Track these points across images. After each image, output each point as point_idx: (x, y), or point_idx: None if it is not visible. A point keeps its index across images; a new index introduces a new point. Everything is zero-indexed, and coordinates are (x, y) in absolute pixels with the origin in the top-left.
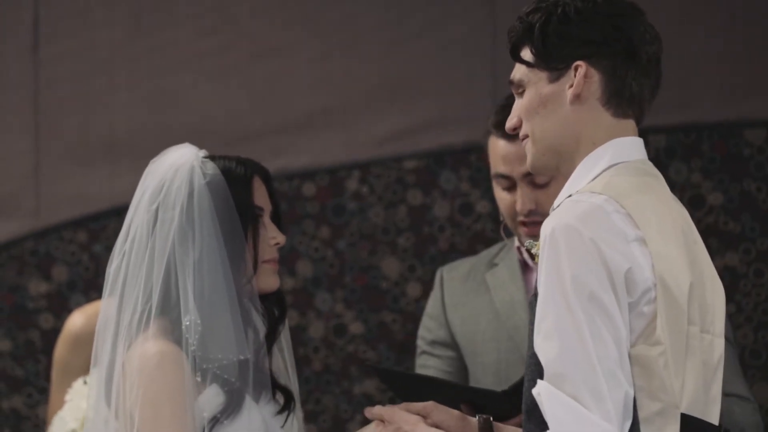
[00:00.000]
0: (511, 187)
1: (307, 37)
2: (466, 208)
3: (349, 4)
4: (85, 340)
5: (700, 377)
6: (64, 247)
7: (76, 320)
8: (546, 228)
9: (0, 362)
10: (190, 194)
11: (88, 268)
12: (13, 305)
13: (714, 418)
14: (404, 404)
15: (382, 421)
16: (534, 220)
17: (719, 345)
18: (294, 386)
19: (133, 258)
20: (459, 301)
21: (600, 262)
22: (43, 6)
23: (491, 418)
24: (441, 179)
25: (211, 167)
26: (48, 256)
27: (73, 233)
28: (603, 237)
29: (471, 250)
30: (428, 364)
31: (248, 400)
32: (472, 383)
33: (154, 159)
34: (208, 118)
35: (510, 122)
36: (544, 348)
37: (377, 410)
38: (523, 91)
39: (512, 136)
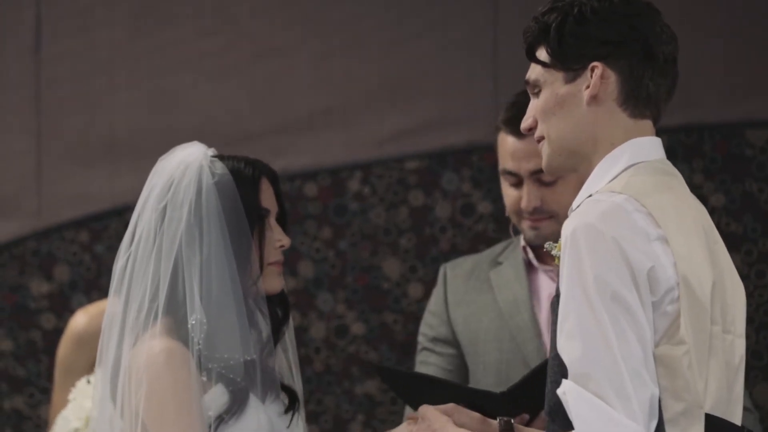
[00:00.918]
0: (518, 183)
1: (307, 37)
2: (467, 209)
3: (350, 5)
4: (89, 340)
5: (723, 377)
6: (65, 247)
7: (79, 320)
8: (567, 228)
9: (1, 362)
10: (199, 193)
11: (90, 268)
12: (14, 305)
13: (737, 419)
14: (429, 406)
15: (414, 420)
16: (539, 218)
17: (740, 345)
18: (298, 386)
19: (139, 256)
20: (462, 299)
21: (622, 261)
22: (44, 6)
23: (512, 420)
24: (442, 180)
25: (220, 167)
26: (49, 256)
27: (75, 233)
28: (625, 236)
29: (472, 251)
30: (428, 361)
31: (254, 400)
32: (472, 382)
33: (162, 157)
34: (209, 118)
35: (525, 123)
36: (567, 348)
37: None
38: (539, 91)
39: (521, 133)
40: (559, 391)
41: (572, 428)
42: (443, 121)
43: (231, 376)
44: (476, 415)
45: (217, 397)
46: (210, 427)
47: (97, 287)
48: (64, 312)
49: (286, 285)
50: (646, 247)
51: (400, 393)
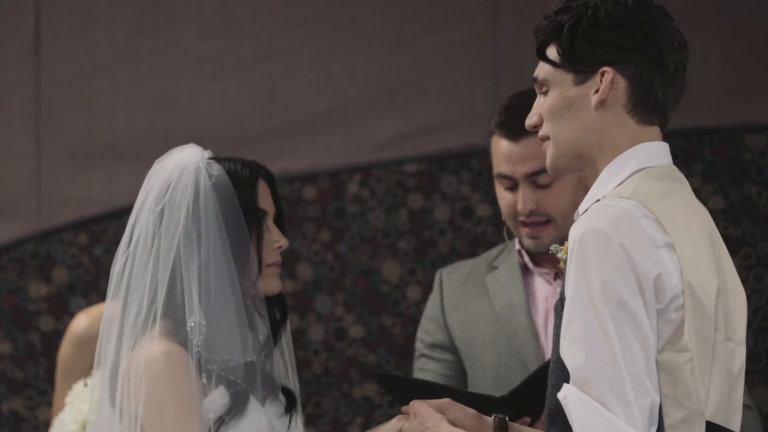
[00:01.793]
0: (512, 187)
1: (307, 39)
2: (466, 212)
3: (350, 8)
4: (90, 342)
5: (724, 385)
6: (64, 250)
7: (80, 322)
8: (575, 232)
9: (0, 364)
10: (196, 195)
11: (89, 271)
12: (13, 307)
13: (736, 426)
14: (422, 401)
15: (406, 415)
16: (535, 221)
17: (741, 353)
18: (295, 388)
19: (137, 259)
20: (458, 304)
21: (629, 267)
22: (45, 8)
23: (507, 418)
24: (442, 183)
25: (217, 168)
26: (48, 259)
27: (74, 235)
28: (632, 242)
29: (471, 254)
30: (426, 368)
31: (254, 402)
32: (471, 387)
33: (159, 159)
34: (210, 121)
35: (530, 120)
36: (570, 353)
37: (413, 404)
38: (547, 90)
39: (515, 136)
40: (559, 395)
41: None
42: (443, 125)
43: (231, 377)
44: (471, 411)
45: (218, 399)
46: (210, 429)
47: (95, 290)
48: (63, 314)
49: (284, 287)
50: (653, 254)
51: (398, 398)
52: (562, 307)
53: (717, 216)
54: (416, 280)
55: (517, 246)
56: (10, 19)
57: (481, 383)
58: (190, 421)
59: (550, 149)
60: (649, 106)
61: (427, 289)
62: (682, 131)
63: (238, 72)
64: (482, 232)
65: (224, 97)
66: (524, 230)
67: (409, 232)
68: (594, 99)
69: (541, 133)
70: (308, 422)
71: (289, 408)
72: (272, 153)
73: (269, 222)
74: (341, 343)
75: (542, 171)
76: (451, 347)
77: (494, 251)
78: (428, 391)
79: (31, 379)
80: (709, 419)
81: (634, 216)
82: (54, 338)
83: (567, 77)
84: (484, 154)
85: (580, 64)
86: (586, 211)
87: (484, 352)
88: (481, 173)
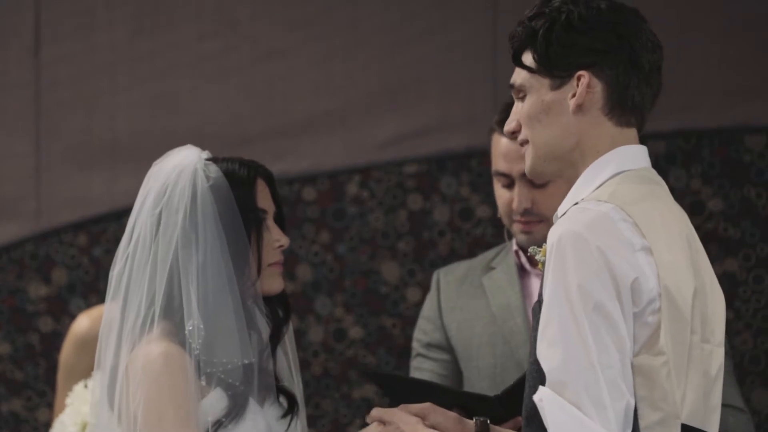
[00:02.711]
0: (510, 184)
1: (307, 40)
2: (466, 213)
3: (350, 8)
4: (91, 343)
5: (700, 387)
6: (64, 251)
7: (82, 323)
8: (553, 235)
9: None
10: (194, 197)
11: (88, 272)
12: (12, 308)
13: (713, 428)
14: (402, 406)
15: (383, 422)
16: (529, 219)
17: (718, 355)
18: (298, 389)
19: (136, 261)
20: (455, 305)
21: (606, 271)
22: (45, 8)
23: (488, 421)
24: (441, 184)
25: (214, 170)
26: (48, 259)
27: (73, 236)
28: (610, 246)
29: (471, 255)
30: (423, 367)
31: (252, 404)
32: (467, 387)
33: (157, 161)
34: (209, 121)
35: (509, 126)
36: (547, 355)
37: (376, 412)
38: (524, 96)
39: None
40: (535, 398)
41: None
42: (442, 126)
43: (230, 380)
44: (452, 414)
45: (216, 401)
46: (207, 431)
47: (95, 291)
48: (62, 315)
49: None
50: (630, 258)
51: (394, 398)
52: (540, 310)
53: (716, 217)
54: (416, 281)
55: (515, 247)
56: (10, 19)
57: (476, 383)
58: (188, 422)
59: (529, 153)
60: (627, 108)
61: (426, 290)
62: (681, 132)
63: (238, 72)
64: (482, 234)
65: (224, 98)
66: (518, 227)
67: (409, 233)
68: (571, 103)
69: (521, 137)
70: (308, 423)
71: (290, 410)
72: (272, 154)
73: (269, 221)
74: (341, 344)
75: None
76: (447, 347)
77: (491, 252)
78: (422, 390)
79: (31, 380)
80: (684, 421)
81: (611, 219)
82: (53, 339)
83: (543, 82)
84: (483, 155)
85: (555, 69)
86: (564, 213)
87: (479, 352)
88: (480, 174)
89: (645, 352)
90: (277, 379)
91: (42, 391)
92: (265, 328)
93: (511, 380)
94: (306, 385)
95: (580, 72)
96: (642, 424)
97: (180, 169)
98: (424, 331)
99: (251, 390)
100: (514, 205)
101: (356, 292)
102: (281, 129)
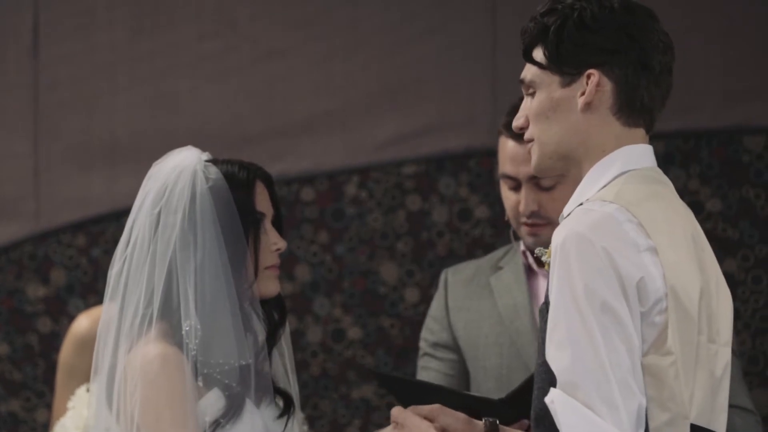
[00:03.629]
0: (516, 187)
1: (307, 40)
2: (464, 214)
3: (350, 8)
4: (91, 344)
5: (708, 387)
6: (62, 251)
7: (81, 323)
8: (557, 237)
9: None
10: (193, 198)
11: (87, 272)
12: (11, 309)
13: (721, 428)
14: (413, 407)
15: (397, 423)
16: (536, 222)
17: (724, 354)
18: (294, 390)
19: (134, 262)
20: (462, 305)
21: (612, 271)
22: (44, 9)
23: (497, 422)
24: (440, 184)
25: (214, 171)
26: (47, 260)
27: (72, 237)
28: (615, 246)
29: (469, 256)
30: (430, 366)
31: (249, 405)
32: (474, 387)
33: (157, 161)
34: (209, 122)
35: (517, 121)
36: (556, 357)
37: (396, 411)
38: (533, 92)
39: (521, 138)
40: (546, 399)
41: None
42: (441, 126)
43: (227, 381)
44: (461, 415)
45: (213, 402)
46: (205, 431)
47: (93, 291)
48: (61, 316)
49: (282, 289)
50: (635, 258)
51: (400, 398)
52: (547, 311)
53: (715, 218)
54: (414, 281)
55: (522, 247)
56: (9, 19)
57: (482, 383)
58: (186, 423)
59: (535, 150)
60: (635, 108)
61: (424, 291)
62: (680, 133)
63: (238, 72)
64: (480, 234)
65: (224, 98)
66: (525, 229)
67: (408, 233)
68: (580, 102)
69: (527, 135)
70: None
71: (286, 410)
72: (271, 154)
73: (267, 224)
74: (339, 344)
75: None
76: (454, 347)
77: (499, 252)
78: (428, 391)
79: (29, 380)
80: (693, 421)
81: (616, 220)
82: (52, 340)
83: (553, 79)
84: (482, 155)
85: (566, 66)
86: (569, 214)
87: (486, 352)
88: (479, 175)
89: (653, 352)
90: (273, 380)
91: (41, 391)
92: (261, 330)
93: (517, 380)
94: (304, 385)
95: (590, 70)
96: (651, 425)
97: (180, 170)
98: (431, 331)
99: (248, 391)
100: (521, 208)
101: (355, 293)
102: (281, 129)
